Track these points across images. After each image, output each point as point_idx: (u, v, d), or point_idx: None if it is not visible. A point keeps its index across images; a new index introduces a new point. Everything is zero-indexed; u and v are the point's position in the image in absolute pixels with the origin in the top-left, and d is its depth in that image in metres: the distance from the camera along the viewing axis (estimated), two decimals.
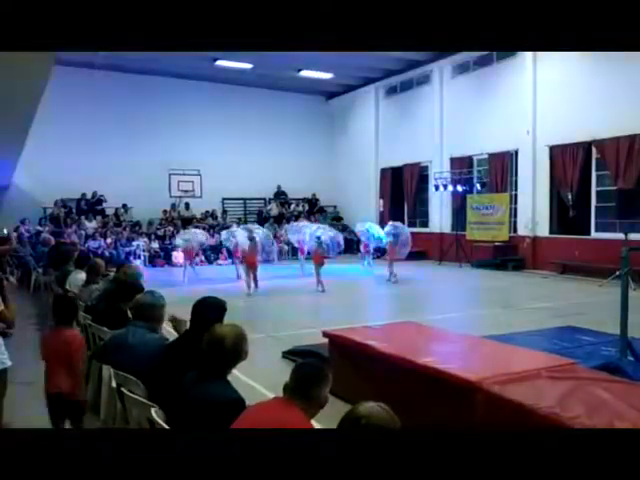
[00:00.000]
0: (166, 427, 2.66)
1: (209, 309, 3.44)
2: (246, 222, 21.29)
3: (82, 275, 6.86)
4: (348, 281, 14.39)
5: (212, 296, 3.59)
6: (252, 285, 12.51)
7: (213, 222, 21.00)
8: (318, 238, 13.69)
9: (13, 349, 7.93)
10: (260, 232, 14.53)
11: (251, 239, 13.11)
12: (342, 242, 15.64)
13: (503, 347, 5.36)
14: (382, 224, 18.08)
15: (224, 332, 2.87)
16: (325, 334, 5.93)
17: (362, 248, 17.20)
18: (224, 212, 22.33)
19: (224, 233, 16.35)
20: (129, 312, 4.32)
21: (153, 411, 2.83)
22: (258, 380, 5.55)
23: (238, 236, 14.66)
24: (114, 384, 4.01)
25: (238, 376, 4.44)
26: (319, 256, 13.15)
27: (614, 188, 14.24)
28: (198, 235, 15.65)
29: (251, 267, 12.62)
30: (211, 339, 2.84)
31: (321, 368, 2.53)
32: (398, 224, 15.39)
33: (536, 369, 4.12)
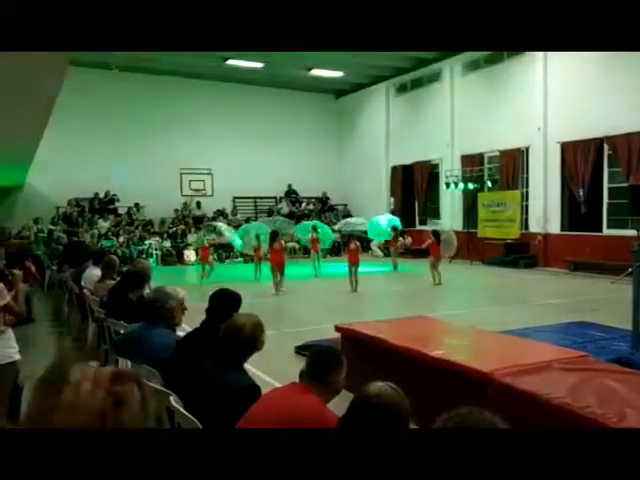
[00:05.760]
0: (186, 414, 2.73)
1: (225, 300, 3.52)
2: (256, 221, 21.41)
3: (97, 271, 6.98)
4: (365, 278, 14.33)
5: (228, 288, 3.67)
6: (280, 284, 12.03)
7: (224, 221, 21.11)
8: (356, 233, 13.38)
9: (31, 345, 8.06)
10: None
11: (274, 237, 12.63)
12: None
13: (515, 340, 5.39)
14: None
15: (242, 321, 2.94)
16: (338, 328, 5.98)
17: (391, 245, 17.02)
18: (235, 210, 22.44)
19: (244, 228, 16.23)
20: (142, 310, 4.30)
21: (172, 399, 2.90)
22: (272, 375, 5.61)
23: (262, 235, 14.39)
24: None
25: (252, 370, 4.50)
26: (356, 255, 12.59)
27: (626, 185, 14.17)
28: (226, 234, 15.41)
29: (277, 267, 12.08)
30: (229, 328, 2.91)
31: (335, 354, 2.59)
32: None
33: (548, 361, 4.15)
